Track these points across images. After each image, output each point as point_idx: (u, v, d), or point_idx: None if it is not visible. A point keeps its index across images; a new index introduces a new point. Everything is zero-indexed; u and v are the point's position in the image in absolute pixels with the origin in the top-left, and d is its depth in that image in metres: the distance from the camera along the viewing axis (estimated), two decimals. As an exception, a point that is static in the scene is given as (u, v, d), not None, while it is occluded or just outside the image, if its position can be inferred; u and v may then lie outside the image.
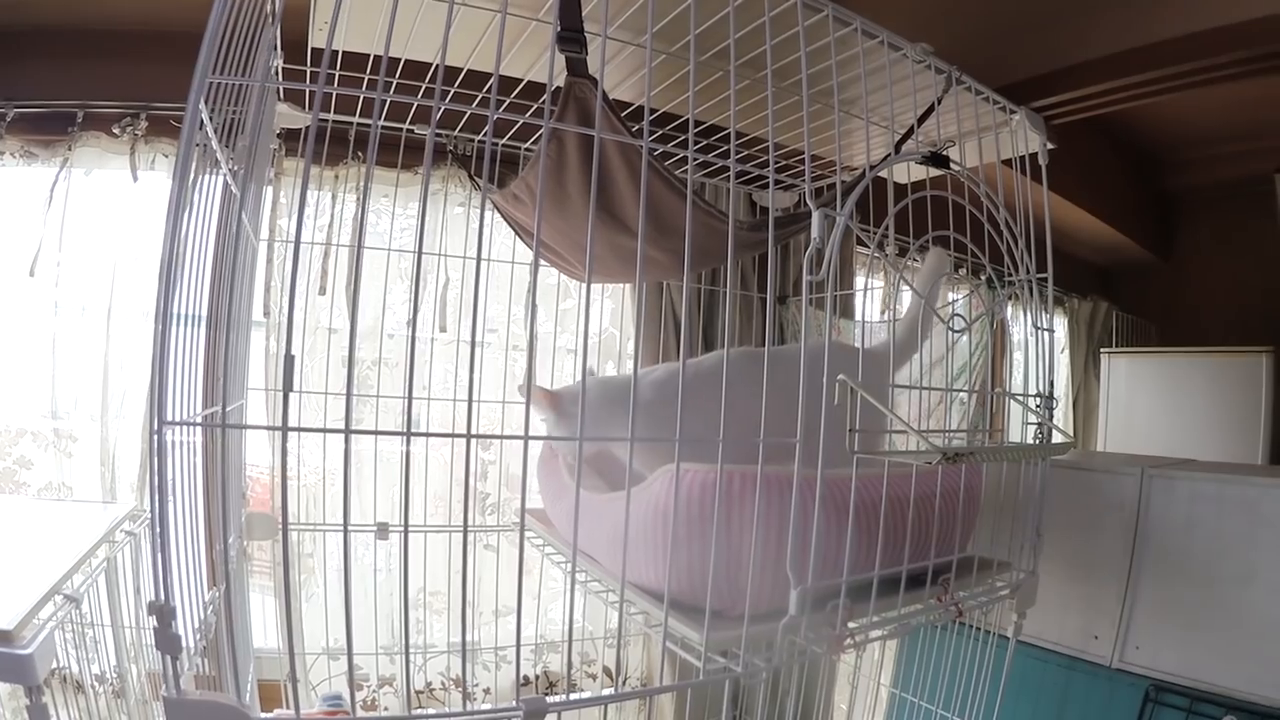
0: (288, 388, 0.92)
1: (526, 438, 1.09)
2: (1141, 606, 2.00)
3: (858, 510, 1.29)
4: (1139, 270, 5.01)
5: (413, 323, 1.11)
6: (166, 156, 2.31)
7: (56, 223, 2.26)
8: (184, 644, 0.97)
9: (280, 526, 2.02)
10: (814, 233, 1.20)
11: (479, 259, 1.07)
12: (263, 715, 0.99)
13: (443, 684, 2.56)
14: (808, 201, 1.26)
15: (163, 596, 0.93)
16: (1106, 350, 4.31)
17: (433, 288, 2.44)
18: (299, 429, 0.86)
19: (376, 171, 2.36)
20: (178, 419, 1.05)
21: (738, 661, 1.22)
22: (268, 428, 2.21)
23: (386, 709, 2.47)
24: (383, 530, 2.06)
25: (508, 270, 2.31)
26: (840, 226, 1.21)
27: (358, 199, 2.37)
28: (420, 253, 0.85)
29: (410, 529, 2.01)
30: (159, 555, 0.94)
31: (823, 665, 2.16)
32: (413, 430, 2.06)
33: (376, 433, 2.02)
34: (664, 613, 1.21)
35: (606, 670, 2.71)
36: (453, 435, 1.21)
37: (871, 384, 1.22)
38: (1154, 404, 3.90)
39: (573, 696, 1.14)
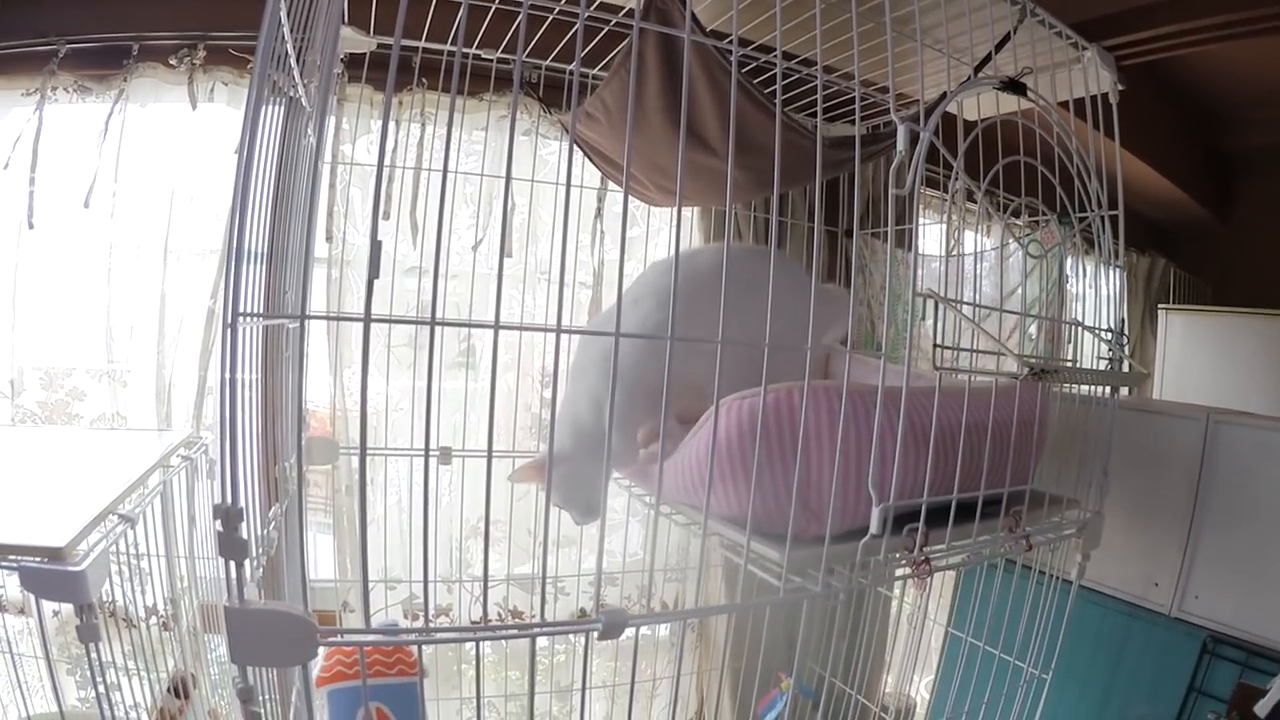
0: (373, 274, 0.89)
1: (559, 329, 1.04)
2: (1203, 556, 1.97)
3: (937, 431, 1.27)
4: (1196, 229, 4.90)
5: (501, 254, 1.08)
6: (226, 85, 2.28)
7: (112, 155, 2.23)
8: (249, 549, 0.92)
9: (340, 450, 2.04)
10: (899, 145, 1.18)
11: (567, 185, 1.03)
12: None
13: (499, 615, 2.56)
14: (893, 116, 1.23)
15: (229, 499, 0.90)
16: (1164, 306, 4.25)
17: (498, 213, 2.40)
18: (383, 319, 0.83)
19: (438, 98, 2.34)
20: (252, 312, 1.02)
21: (815, 582, 1.20)
22: (353, 318, 2.19)
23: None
24: (445, 455, 2.04)
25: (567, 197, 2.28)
26: (925, 142, 1.20)
27: (423, 125, 2.35)
28: (508, 178, 0.82)
29: (470, 454, 2.03)
30: (227, 456, 0.91)
31: (879, 603, 2.14)
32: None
33: (469, 324, 1.99)
34: (747, 532, 1.19)
35: (664, 603, 2.71)
36: (544, 329, 1.19)
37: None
38: (1209, 363, 3.85)
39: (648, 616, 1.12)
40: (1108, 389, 1.68)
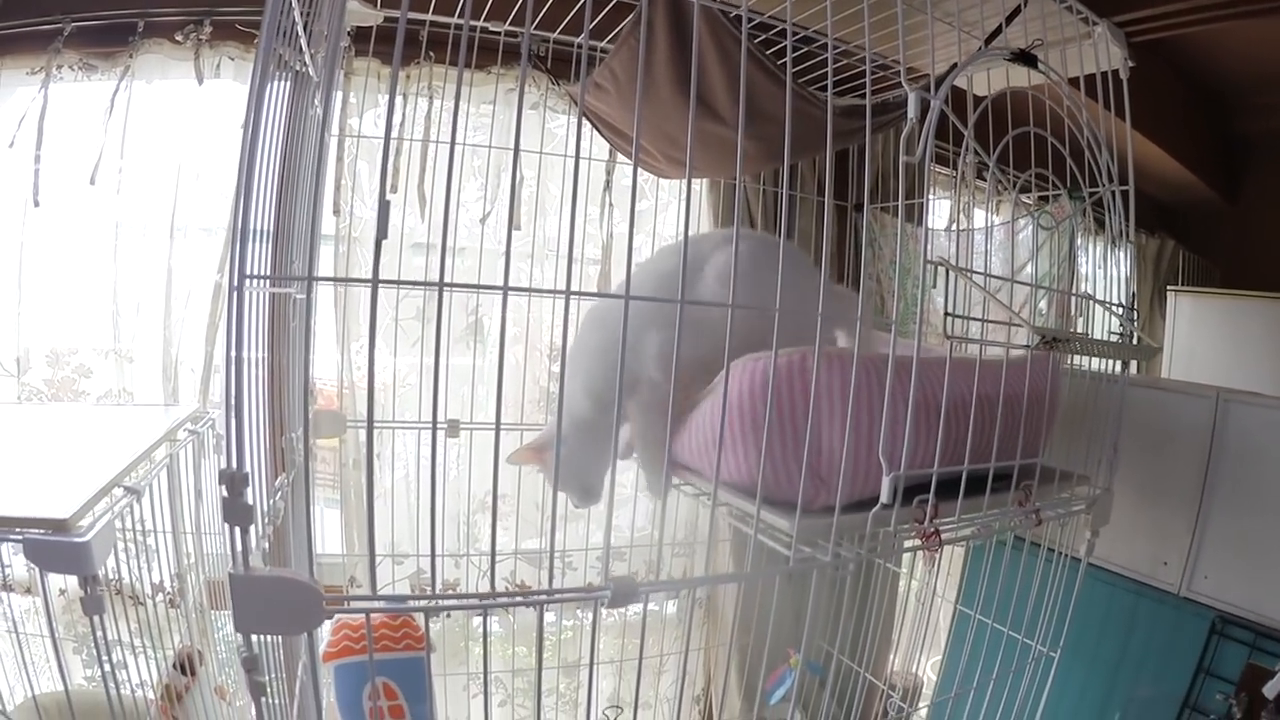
0: (381, 235, 0.88)
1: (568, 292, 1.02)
2: (1212, 535, 1.96)
3: (948, 401, 1.26)
4: (1205, 212, 4.85)
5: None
6: (233, 60, 2.27)
7: (118, 132, 2.22)
8: (255, 516, 0.90)
9: (348, 423, 2.04)
10: (910, 112, 1.18)
11: (576, 153, 1.02)
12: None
13: (507, 589, 2.52)
14: (904, 84, 1.23)
15: (235, 463, 0.88)
16: (1173, 288, 4.22)
17: (506, 185, 2.39)
18: (390, 282, 0.82)
19: (445, 71, 2.33)
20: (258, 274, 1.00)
21: (825, 552, 1.19)
22: (360, 281, 2.19)
23: (450, 614, 2.48)
24: (453, 427, 2.05)
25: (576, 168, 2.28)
26: (936, 110, 1.19)
27: (430, 98, 2.34)
28: (517, 150, 0.80)
29: (478, 426, 2.02)
30: (232, 420, 0.89)
31: (887, 579, 2.14)
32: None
33: (477, 288, 1.97)
34: (757, 500, 1.18)
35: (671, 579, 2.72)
36: (553, 293, 1.19)
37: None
38: (1218, 345, 3.83)
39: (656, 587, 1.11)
40: (1117, 365, 1.67)
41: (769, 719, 1.84)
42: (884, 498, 1.18)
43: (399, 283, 1.18)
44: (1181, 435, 2.00)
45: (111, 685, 1.31)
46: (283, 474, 1.38)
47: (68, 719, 1.54)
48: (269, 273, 1.23)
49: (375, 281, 0.90)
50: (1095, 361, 1.69)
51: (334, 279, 2.19)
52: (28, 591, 2.14)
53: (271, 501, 1.25)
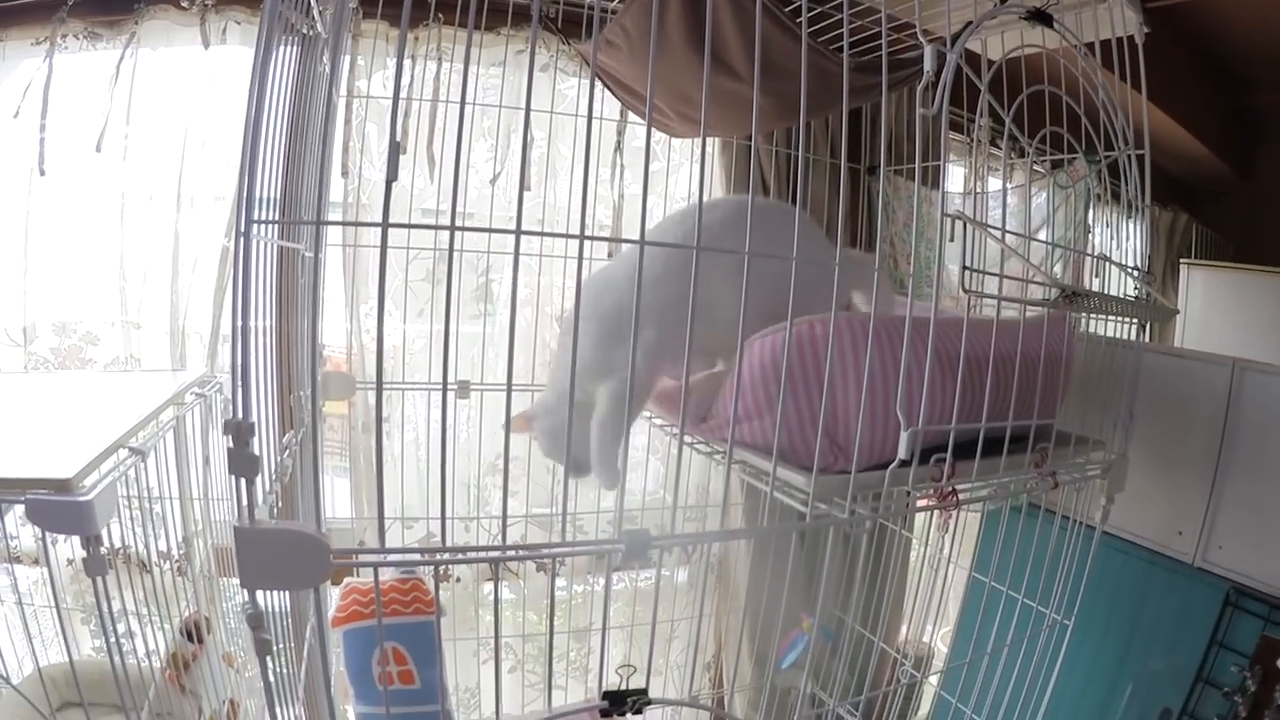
0: (391, 177, 0.86)
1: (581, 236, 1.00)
2: (1227, 505, 1.95)
3: (965, 358, 1.25)
4: (1218, 187, 4.83)
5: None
6: (239, 24, 2.25)
7: (124, 99, 2.21)
8: (261, 467, 0.89)
9: (357, 385, 2.03)
10: (926, 65, 1.16)
11: (590, 103, 0.99)
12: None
13: (518, 553, 2.50)
14: (920, 38, 1.21)
15: (241, 413, 0.86)
16: (1186, 261, 4.20)
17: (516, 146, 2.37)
18: (400, 225, 0.80)
19: (454, 33, 2.31)
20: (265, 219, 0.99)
21: (841, 509, 1.18)
22: (370, 224, 2.18)
23: (459, 579, 2.47)
24: (463, 389, 2.04)
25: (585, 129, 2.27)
26: (952, 65, 1.17)
27: (439, 60, 2.32)
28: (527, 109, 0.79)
29: (489, 388, 2.01)
30: (239, 370, 0.88)
31: (900, 545, 2.12)
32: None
33: (489, 230, 1.96)
34: (773, 457, 1.17)
35: (684, 547, 2.70)
36: (566, 235, 1.17)
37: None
38: (1230, 319, 3.80)
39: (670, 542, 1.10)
40: (1132, 331, 1.65)
41: (780, 685, 1.83)
42: (902, 453, 1.16)
43: (409, 225, 1.16)
44: (1197, 404, 1.99)
45: (117, 654, 1.29)
46: (290, 432, 1.36)
47: (76, 689, 1.54)
48: (278, 232, 1.22)
49: (385, 225, 0.88)
50: (1110, 327, 1.68)
51: (343, 222, 2.17)
52: (36, 563, 2.14)
53: (279, 459, 1.23)
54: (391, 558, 1.22)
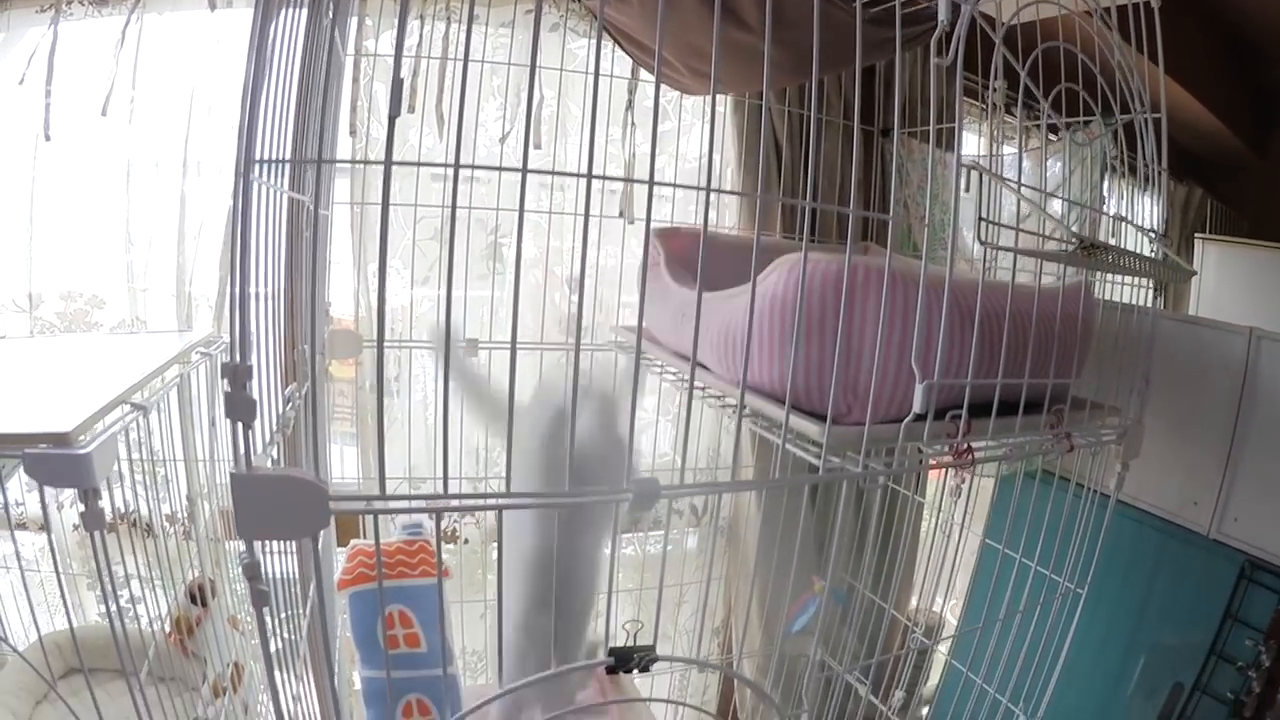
0: (394, 113, 0.84)
1: (590, 175, 0.97)
2: (1244, 477, 1.93)
3: (981, 313, 1.23)
4: (1234, 163, 4.78)
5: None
6: (245, -14, 2.22)
7: (129, 63, 2.19)
8: (259, 412, 0.86)
9: (364, 343, 2.01)
10: (941, 15, 1.13)
11: (597, 63, 0.96)
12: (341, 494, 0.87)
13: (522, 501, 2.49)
14: (934, -5, 1.18)
15: (239, 356, 0.83)
16: (1200, 235, 4.17)
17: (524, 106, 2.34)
18: (407, 163, 0.78)
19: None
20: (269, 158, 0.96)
21: (855, 463, 1.15)
22: (375, 162, 2.16)
23: (467, 540, 2.46)
24: (471, 346, 2.03)
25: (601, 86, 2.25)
26: (966, 15, 1.15)
27: (447, 20, 2.28)
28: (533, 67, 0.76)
29: (496, 345, 2.00)
30: (236, 312, 0.85)
31: (911, 509, 2.10)
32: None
33: (499, 168, 1.93)
34: (785, 408, 1.15)
35: (693, 507, 2.69)
36: (575, 175, 1.14)
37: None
38: (1245, 295, 3.77)
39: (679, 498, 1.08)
40: (1149, 296, 1.63)
41: (789, 652, 1.81)
42: (917, 407, 1.14)
43: (418, 163, 1.13)
44: (1214, 372, 1.97)
45: (116, 614, 1.27)
46: (294, 384, 1.34)
47: (82, 655, 1.53)
48: (287, 182, 1.20)
49: (389, 163, 0.86)
50: (1126, 292, 1.66)
51: (351, 160, 2.16)
52: (41, 529, 2.13)
53: (282, 411, 1.21)
54: (393, 505, 1.19)
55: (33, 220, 2.21)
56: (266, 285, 1.13)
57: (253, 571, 0.88)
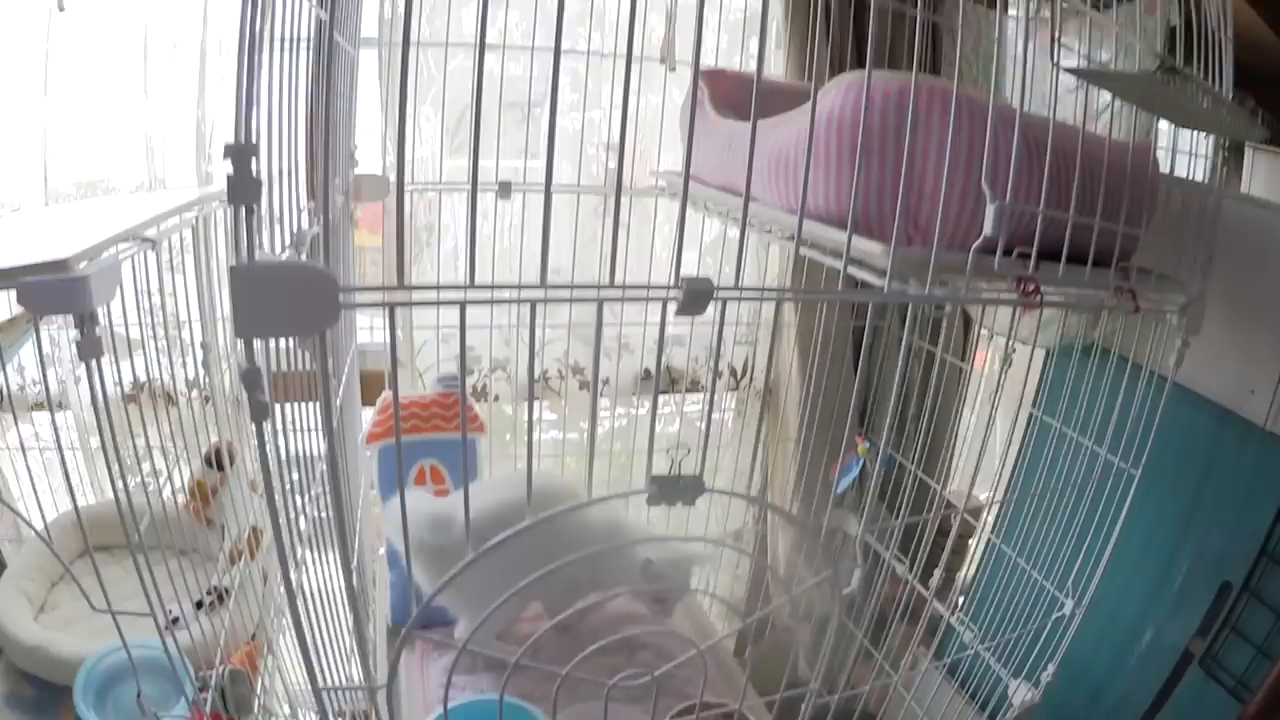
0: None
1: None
2: (1303, 368, 1.85)
3: (1054, 144, 1.15)
4: (1288, 77, 4.71)
5: None
6: None
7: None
8: (262, 193, 0.77)
9: (390, 188, 1.95)
10: None
11: None
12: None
13: (559, 371, 2.49)
14: None
15: (243, 135, 0.74)
16: (1252, 145, 4.09)
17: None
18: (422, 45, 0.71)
19: None
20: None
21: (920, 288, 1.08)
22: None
23: (498, 397, 2.43)
24: (504, 189, 1.97)
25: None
26: None
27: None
28: None
29: (530, 188, 1.94)
30: (243, 86, 0.75)
31: (961, 381, 2.04)
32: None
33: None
34: (848, 231, 1.07)
35: (732, 370, 2.64)
36: None
37: None
38: (1292, 208, 3.71)
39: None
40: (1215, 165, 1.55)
41: (829, 525, 1.76)
42: (988, 229, 1.06)
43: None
44: (1275, 257, 1.88)
45: (120, 480, 1.22)
46: (313, 200, 1.27)
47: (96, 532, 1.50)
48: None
49: (405, 43, 0.79)
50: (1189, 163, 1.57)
51: None
52: (60, 406, 2.11)
53: (297, 225, 1.13)
54: (416, 296, 1.11)
55: (47, 91, 2.18)
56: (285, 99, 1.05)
57: (252, 379, 0.79)
